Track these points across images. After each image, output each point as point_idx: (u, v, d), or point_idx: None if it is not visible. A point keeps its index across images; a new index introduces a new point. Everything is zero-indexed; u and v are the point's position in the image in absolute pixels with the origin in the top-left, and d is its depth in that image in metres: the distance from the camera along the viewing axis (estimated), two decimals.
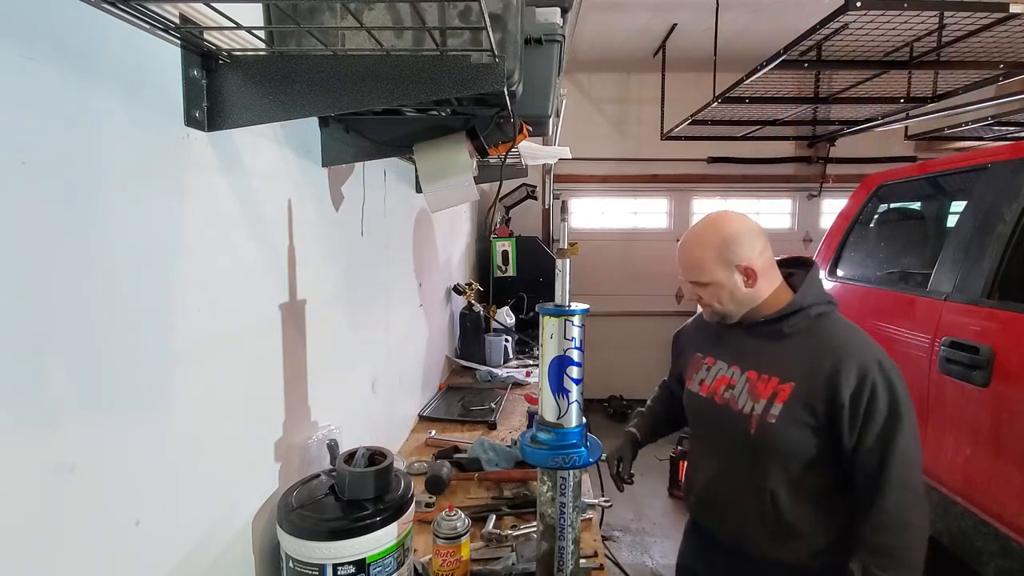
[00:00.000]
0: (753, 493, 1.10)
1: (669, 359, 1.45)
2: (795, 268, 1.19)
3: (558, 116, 2.01)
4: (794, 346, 1.09)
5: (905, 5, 1.94)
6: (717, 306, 1.15)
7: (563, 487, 0.96)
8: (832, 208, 4.52)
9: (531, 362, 2.81)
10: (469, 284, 2.83)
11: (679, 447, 3.23)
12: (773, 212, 4.88)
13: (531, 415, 1.84)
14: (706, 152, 4.55)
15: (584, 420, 0.99)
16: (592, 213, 4.83)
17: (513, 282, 3.41)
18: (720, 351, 1.22)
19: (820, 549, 1.06)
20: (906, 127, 4.18)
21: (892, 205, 2.64)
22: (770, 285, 1.13)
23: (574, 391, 0.95)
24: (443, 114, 1.11)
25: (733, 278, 1.11)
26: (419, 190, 1.75)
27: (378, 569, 0.88)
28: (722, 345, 1.22)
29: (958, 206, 2.11)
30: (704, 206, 4.84)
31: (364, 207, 1.40)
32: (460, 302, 2.79)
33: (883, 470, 0.99)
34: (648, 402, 1.48)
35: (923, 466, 1.03)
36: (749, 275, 1.10)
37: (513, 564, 1.14)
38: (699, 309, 1.27)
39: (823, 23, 2.10)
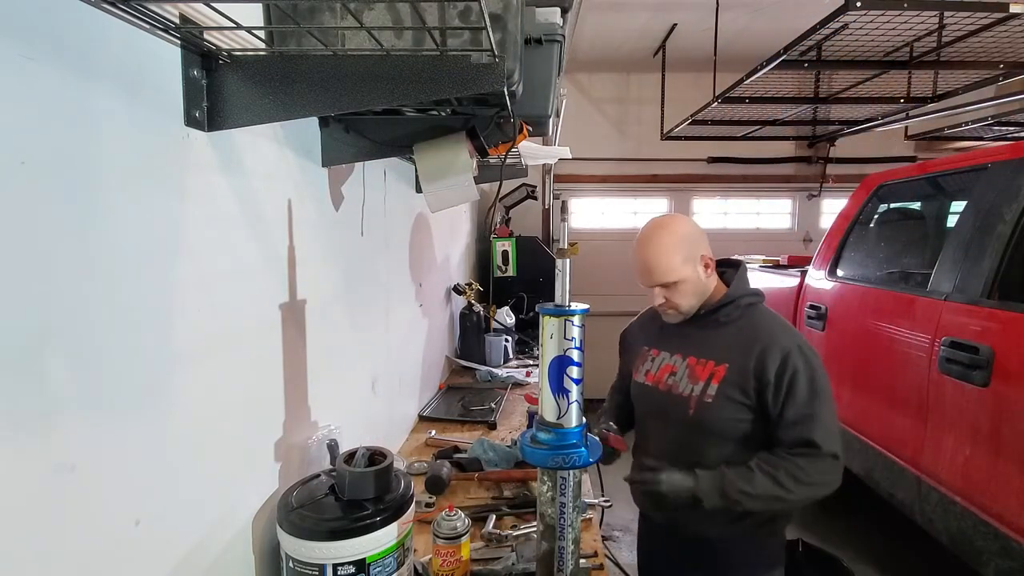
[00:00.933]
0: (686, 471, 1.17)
1: (620, 348, 1.51)
2: (727, 268, 1.33)
3: (558, 116, 2.01)
4: (728, 333, 1.22)
5: (905, 5, 1.94)
6: (683, 303, 1.23)
7: (563, 487, 0.96)
8: (832, 208, 4.52)
9: (531, 362, 2.80)
10: (469, 284, 2.83)
11: None
12: (773, 212, 4.88)
13: (531, 415, 1.84)
14: (706, 152, 4.55)
15: (584, 420, 0.99)
16: (592, 213, 4.83)
17: (513, 282, 3.41)
18: (664, 343, 1.32)
19: (739, 518, 1.15)
20: (906, 127, 4.18)
21: (892, 205, 2.64)
22: (715, 279, 1.26)
23: (574, 391, 0.95)
24: (443, 114, 1.11)
25: (696, 271, 1.21)
26: (419, 190, 1.75)
27: (378, 569, 0.88)
28: (665, 337, 1.33)
29: (958, 206, 2.11)
30: (704, 206, 4.85)
31: (364, 207, 1.40)
32: (460, 302, 2.79)
33: (810, 441, 1.10)
34: (609, 403, 1.49)
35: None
36: (708, 265, 1.22)
37: (513, 564, 1.14)
38: (657, 307, 1.32)
39: (823, 23, 2.10)
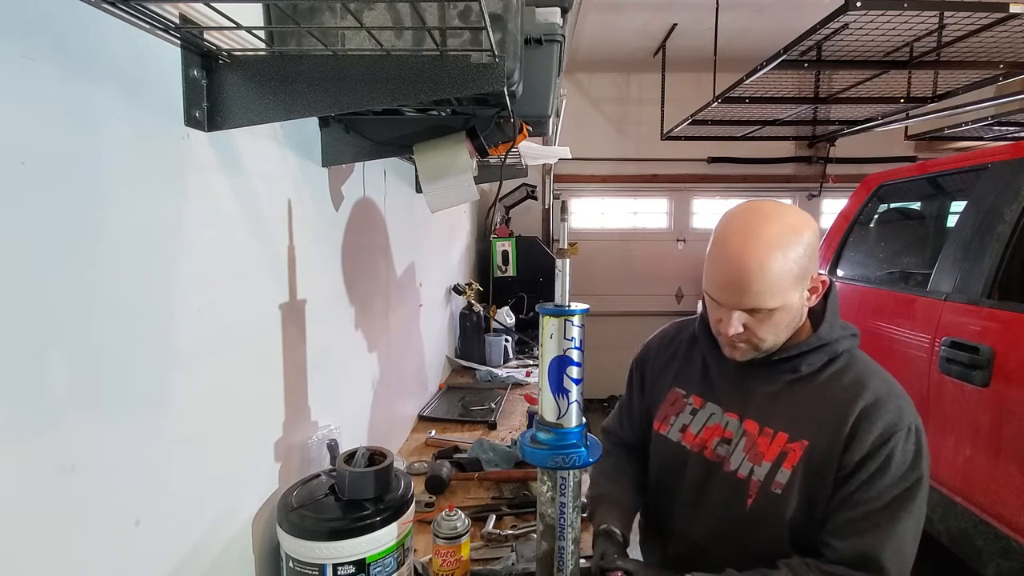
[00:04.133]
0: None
1: (631, 378, 1.13)
2: None
3: (558, 116, 2.01)
4: (809, 392, 0.87)
5: (905, 5, 1.94)
6: (769, 338, 0.86)
7: (563, 487, 0.96)
8: (832, 208, 4.53)
9: (531, 362, 2.81)
10: (469, 284, 2.83)
11: None
12: None
13: (531, 415, 1.84)
14: (706, 152, 4.55)
15: (584, 420, 0.99)
16: (592, 213, 4.83)
17: (513, 282, 3.41)
18: (709, 390, 0.97)
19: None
20: (906, 127, 4.18)
21: (892, 205, 2.64)
22: (806, 308, 0.88)
23: (574, 391, 0.95)
24: (443, 114, 1.11)
25: (802, 296, 0.85)
26: (419, 190, 1.75)
27: (378, 569, 0.88)
28: (711, 382, 0.97)
29: (958, 206, 2.11)
30: (704, 206, 4.84)
31: (364, 207, 1.40)
32: (460, 302, 2.79)
33: (873, 559, 0.78)
34: (600, 477, 1.09)
35: None
36: (816, 289, 0.86)
37: (513, 564, 1.14)
38: (726, 338, 0.91)
39: (823, 23, 2.10)
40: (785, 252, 0.80)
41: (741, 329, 0.85)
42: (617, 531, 0.97)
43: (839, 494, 0.82)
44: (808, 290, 0.86)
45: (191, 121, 0.71)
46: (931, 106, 3.18)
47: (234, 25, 0.65)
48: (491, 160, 1.57)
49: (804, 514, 0.84)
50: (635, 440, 1.13)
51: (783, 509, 0.84)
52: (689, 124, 3.65)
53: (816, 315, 0.91)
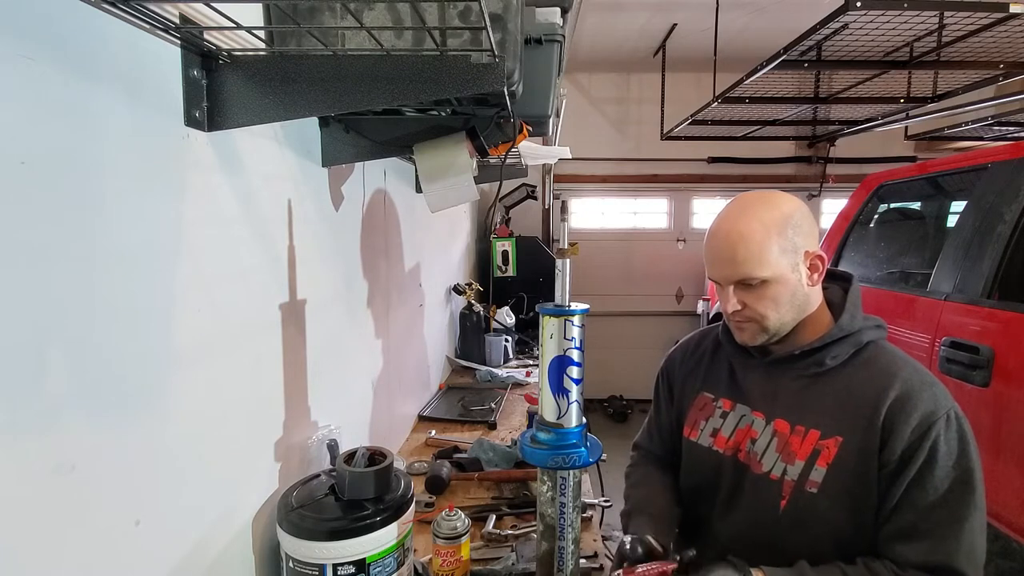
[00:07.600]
0: None
1: (658, 389, 1.12)
2: (828, 283, 0.95)
3: (558, 116, 2.01)
4: (837, 385, 0.85)
5: (905, 5, 1.94)
6: (770, 315, 0.86)
7: (563, 487, 0.96)
8: (832, 208, 4.53)
9: (531, 362, 2.81)
10: (469, 284, 2.83)
11: None
12: None
13: (531, 415, 1.84)
14: (706, 152, 4.56)
15: (584, 420, 0.99)
16: (592, 213, 4.83)
17: (513, 282, 3.41)
18: (738, 392, 0.95)
19: None
20: (906, 127, 4.17)
21: (892, 205, 2.64)
22: (819, 295, 0.88)
23: (574, 391, 0.95)
24: (443, 114, 1.11)
25: (798, 272, 0.85)
26: (419, 190, 1.75)
27: (378, 569, 0.88)
28: (738, 384, 0.96)
29: (958, 206, 2.11)
30: (704, 206, 4.84)
31: (364, 207, 1.40)
32: (460, 302, 2.79)
33: (947, 569, 0.74)
34: (631, 491, 1.06)
35: None
36: (816, 267, 0.86)
37: (513, 564, 1.14)
38: (729, 318, 0.93)
39: (823, 23, 2.10)
40: (765, 223, 0.84)
41: (739, 305, 0.87)
42: (649, 538, 0.89)
43: (891, 495, 0.78)
44: (808, 268, 0.86)
45: (191, 121, 0.71)
46: (931, 106, 3.18)
47: (234, 25, 0.65)
48: (491, 160, 1.57)
49: (846, 513, 0.80)
50: (665, 452, 1.12)
51: (819, 509, 0.81)
52: (689, 124, 3.65)
53: (837, 308, 0.91)
